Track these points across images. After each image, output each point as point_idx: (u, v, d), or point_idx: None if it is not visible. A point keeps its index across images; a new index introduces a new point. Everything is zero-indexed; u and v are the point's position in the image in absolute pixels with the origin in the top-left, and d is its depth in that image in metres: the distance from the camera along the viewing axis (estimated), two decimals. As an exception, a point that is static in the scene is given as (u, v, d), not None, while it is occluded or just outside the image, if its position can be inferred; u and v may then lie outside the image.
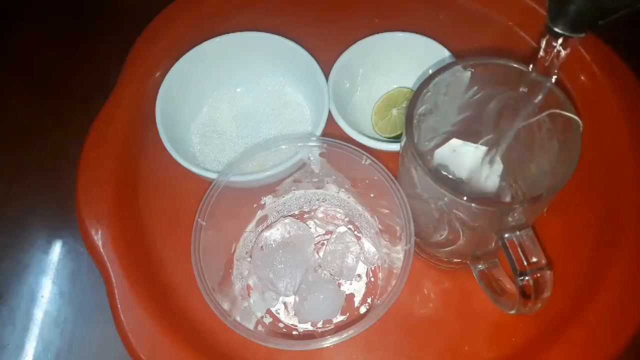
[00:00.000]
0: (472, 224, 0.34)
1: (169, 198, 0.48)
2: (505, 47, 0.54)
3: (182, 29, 0.55)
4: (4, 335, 0.58)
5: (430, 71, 0.36)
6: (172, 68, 0.47)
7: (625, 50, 0.51)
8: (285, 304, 0.43)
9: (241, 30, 0.49)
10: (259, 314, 0.42)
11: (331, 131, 0.45)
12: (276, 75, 0.52)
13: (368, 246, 0.45)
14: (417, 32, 0.49)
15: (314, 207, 0.47)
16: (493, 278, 0.40)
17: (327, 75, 0.47)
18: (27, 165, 0.68)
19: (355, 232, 0.45)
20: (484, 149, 0.37)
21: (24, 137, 0.70)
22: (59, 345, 0.57)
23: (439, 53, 0.48)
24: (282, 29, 0.49)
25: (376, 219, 0.44)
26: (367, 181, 0.41)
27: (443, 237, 0.37)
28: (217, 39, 0.49)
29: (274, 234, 0.44)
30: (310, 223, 0.46)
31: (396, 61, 0.50)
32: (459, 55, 0.47)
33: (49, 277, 0.61)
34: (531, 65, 0.31)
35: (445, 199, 0.31)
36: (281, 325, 0.42)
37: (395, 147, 0.44)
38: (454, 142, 0.38)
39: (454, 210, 0.32)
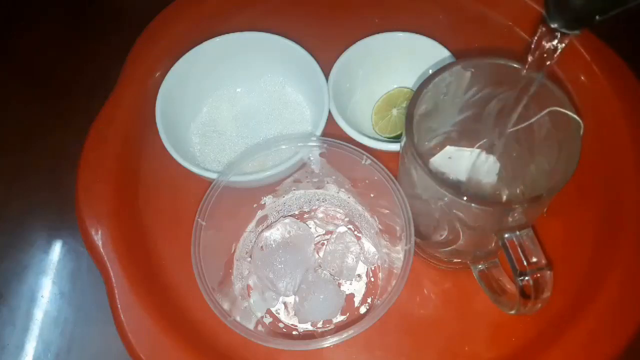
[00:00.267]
0: (472, 224, 0.34)
1: (169, 198, 0.48)
2: (505, 47, 0.54)
3: (182, 29, 0.55)
4: (4, 335, 0.58)
5: (430, 71, 0.36)
6: (172, 68, 0.47)
7: (625, 50, 0.51)
8: (285, 304, 0.43)
9: (241, 30, 0.49)
10: (259, 314, 0.42)
11: (331, 131, 0.45)
12: (276, 75, 0.52)
13: (368, 246, 0.45)
14: (417, 32, 0.49)
15: (314, 207, 0.47)
16: (493, 278, 0.40)
17: (327, 75, 0.47)
18: (27, 165, 0.68)
19: (355, 232, 0.45)
20: (478, 152, 0.37)
21: (24, 137, 0.70)
22: (59, 345, 0.57)
23: (439, 53, 0.48)
24: (282, 29, 0.49)
25: (376, 219, 0.44)
26: (367, 181, 0.41)
27: (443, 237, 0.37)
28: (217, 39, 0.48)
29: (274, 234, 0.44)
30: (310, 223, 0.46)
31: (396, 61, 0.50)
32: (459, 55, 0.47)
33: (49, 277, 0.61)
34: (529, 59, 0.31)
35: (445, 199, 0.31)
36: (281, 325, 0.42)
37: (395, 147, 0.44)
38: (449, 149, 0.38)
39: (454, 210, 0.32)
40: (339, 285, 0.43)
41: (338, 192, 0.46)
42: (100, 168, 0.47)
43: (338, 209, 0.47)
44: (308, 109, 0.50)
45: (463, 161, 0.38)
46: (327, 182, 0.45)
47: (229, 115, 0.51)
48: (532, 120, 0.33)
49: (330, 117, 0.45)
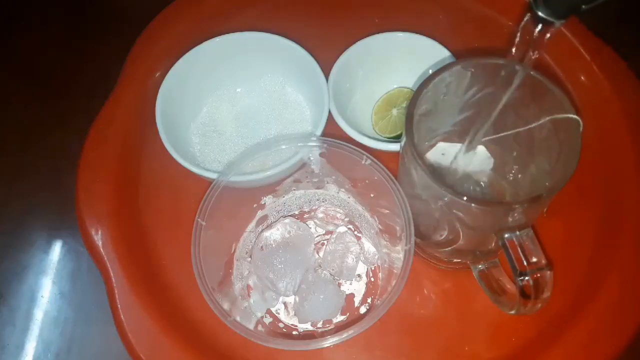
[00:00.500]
0: (472, 224, 0.34)
1: (169, 198, 0.48)
2: (505, 47, 0.54)
3: (182, 29, 0.55)
4: (4, 335, 0.58)
5: (430, 71, 0.36)
6: (172, 68, 0.47)
7: (625, 50, 0.51)
8: (285, 304, 0.43)
9: (241, 30, 0.49)
10: (259, 314, 0.42)
11: (331, 131, 0.45)
12: (276, 75, 0.52)
13: (368, 246, 0.45)
14: (417, 32, 0.49)
15: (314, 207, 0.47)
16: (493, 278, 0.40)
17: (327, 75, 0.47)
18: (27, 165, 0.68)
19: (355, 232, 0.45)
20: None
21: (24, 137, 0.70)
22: (59, 345, 0.57)
23: (439, 53, 0.48)
24: (282, 29, 0.49)
25: (376, 219, 0.44)
26: (367, 181, 0.41)
27: (443, 237, 0.37)
28: (217, 39, 0.48)
29: (274, 234, 0.44)
30: (310, 223, 0.46)
31: (396, 61, 0.50)
32: (459, 55, 0.47)
33: (49, 277, 0.61)
34: (512, 49, 0.31)
35: (445, 199, 0.31)
36: (281, 325, 0.42)
37: (395, 147, 0.44)
38: (441, 145, 0.38)
39: (454, 210, 0.32)
40: (339, 285, 0.43)
41: (338, 192, 0.46)
42: (100, 168, 0.47)
43: (338, 209, 0.47)
44: (308, 109, 0.50)
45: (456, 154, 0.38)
46: (327, 182, 0.45)
47: (229, 115, 0.51)
48: (533, 125, 0.33)
49: (330, 117, 0.45)
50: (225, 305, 0.35)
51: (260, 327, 0.41)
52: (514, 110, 0.34)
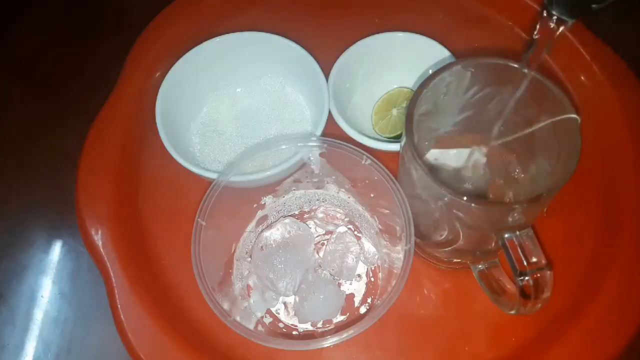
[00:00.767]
0: (472, 224, 0.34)
1: (169, 198, 0.48)
2: (505, 47, 0.54)
3: (182, 29, 0.55)
4: (4, 335, 0.58)
5: (430, 71, 0.36)
6: (172, 68, 0.47)
7: (625, 50, 0.51)
8: (285, 304, 0.43)
9: (241, 30, 0.49)
10: (259, 314, 0.42)
11: (331, 131, 0.45)
12: (276, 75, 0.52)
13: (368, 246, 0.45)
14: (417, 32, 0.49)
15: (314, 207, 0.47)
16: (493, 278, 0.40)
17: (327, 75, 0.47)
18: (27, 165, 0.68)
19: (355, 232, 0.45)
20: (463, 151, 0.37)
21: (24, 137, 0.70)
22: (59, 345, 0.57)
23: (439, 53, 0.48)
24: (282, 29, 0.49)
25: (376, 219, 0.44)
26: (367, 181, 0.41)
27: (443, 237, 0.37)
28: (217, 39, 0.48)
29: (274, 234, 0.44)
30: (310, 223, 0.46)
31: (396, 61, 0.50)
32: (459, 55, 0.47)
33: (49, 277, 0.61)
34: (529, 52, 0.31)
35: (445, 199, 0.31)
36: (281, 325, 0.42)
37: (395, 147, 0.44)
38: (433, 152, 0.38)
39: (454, 210, 0.32)
40: (339, 285, 0.43)
41: (338, 192, 0.46)
42: (100, 168, 0.47)
43: (338, 209, 0.47)
44: (308, 109, 0.50)
45: (450, 161, 0.38)
46: (327, 182, 0.45)
47: (229, 115, 0.51)
48: (534, 128, 0.33)
49: (330, 117, 0.45)
50: (225, 305, 0.35)
51: (260, 327, 0.41)
52: (515, 110, 0.34)
